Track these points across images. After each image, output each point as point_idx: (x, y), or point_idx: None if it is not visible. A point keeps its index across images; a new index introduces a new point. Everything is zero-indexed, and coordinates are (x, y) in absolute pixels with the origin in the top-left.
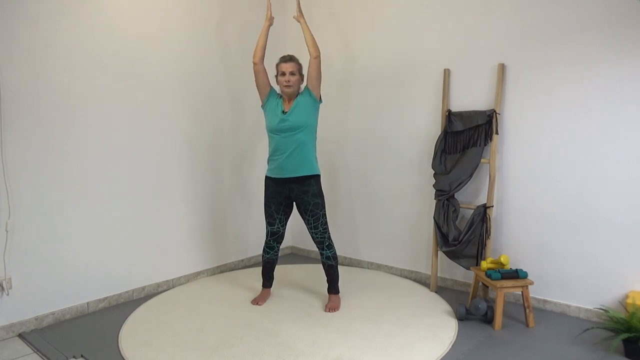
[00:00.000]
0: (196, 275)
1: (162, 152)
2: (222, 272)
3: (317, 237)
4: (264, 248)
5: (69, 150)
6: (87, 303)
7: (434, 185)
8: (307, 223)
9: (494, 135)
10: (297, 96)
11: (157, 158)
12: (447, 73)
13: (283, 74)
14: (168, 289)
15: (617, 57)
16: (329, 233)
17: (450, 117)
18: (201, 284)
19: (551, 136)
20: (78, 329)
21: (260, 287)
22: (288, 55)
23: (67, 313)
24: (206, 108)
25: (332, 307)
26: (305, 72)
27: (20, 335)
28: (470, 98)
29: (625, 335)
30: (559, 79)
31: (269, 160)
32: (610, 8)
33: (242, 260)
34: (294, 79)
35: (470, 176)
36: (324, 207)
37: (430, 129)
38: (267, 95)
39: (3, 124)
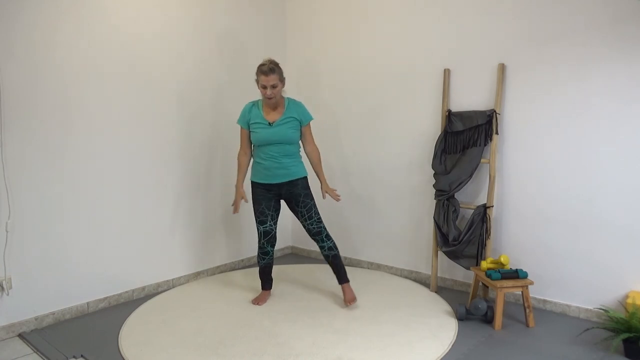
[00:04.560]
0: (196, 275)
1: (162, 152)
2: (221, 272)
3: (314, 228)
4: (258, 254)
5: (69, 150)
6: (87, 303)
7: (434, 185)
8: (301, 215)
9: (494, 135)
10: (284, 106)
11: (157, 158)
12: (447, 73)
13: (264, 87)
14: (168, 289)
15: (617, 57)
16: (323, 223)
17: (450, 117)
18: (201, 284)
19: (551, 136)
20: (78, 329)
21: (260, 287)
22: (267, 65)
23: (67, 313)
24: (206, 109)
25: (350, 299)
26: (306, 77)
27: (20, 335)
28: (470, 98)
29: (625, 335)
30: (559, 78)
31: (253, 165)
32: (610, 8)
33: (242, 260)
34: (275, 90)
35: (470, 176)
36: (313, 198)
37: (430, 129)
38: (247, 120)
39: (3, 124)
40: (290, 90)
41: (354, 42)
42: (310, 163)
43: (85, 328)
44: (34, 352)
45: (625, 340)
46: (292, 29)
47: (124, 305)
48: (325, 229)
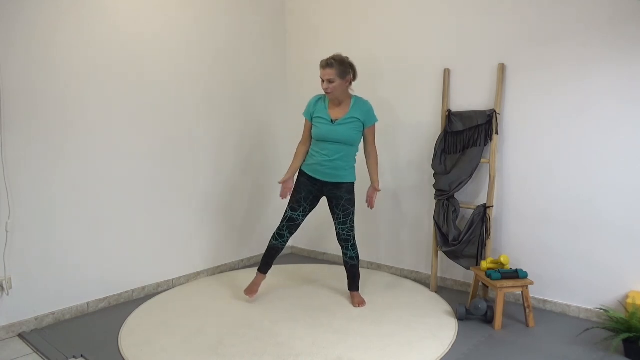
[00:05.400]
0: (196, 275)
1: (162, 153)
2: (222, 272)
3: (344, 234)
4: (274, 234)
5: (69, 150)
6: (87, 303)
7: (434, 185)
8: (337, 218)
9: (494, 135)
10: (350, 105)
11: (157, 158)
12: (447, 73)
13: (322, 80)
14: (168, 289)
15: (617, 57)
16: (354, 233)
17: (450, 117)
18: (201, 284)
19: (551, 136)
20: (78, 329)
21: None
22: (326, 60)
23: (67, 313)
24: (209, 109)
25: (360, 301)
26: (307, 77)
27: (20, 335)
28: (470, 98)
29: (625, 335)
30: (559, 78)
31: (307, 157)
32: (610, 7)
33: (242, 260)
34: (332, 86)
35: (470, 176)
36: (354, 205)
37: (430, 129)
38: (311, 113)
39: (3, 124)
40: (291, 90)
41: (354, 42)
42: (366, 163)
43: (85, 328)
44: (34, 352)
45: (625, 340)
46: (292, 29)
47: (124, 305)
48: (354, 238)
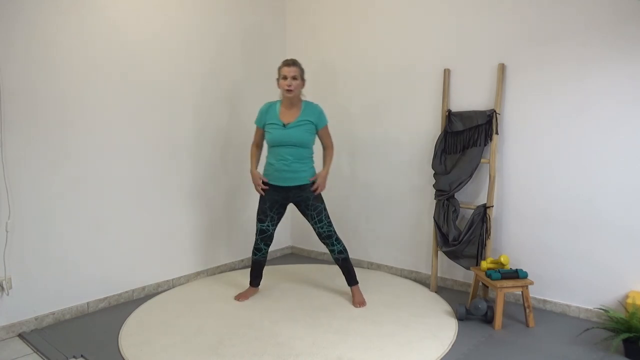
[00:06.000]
0: (196, 275)
1: (162, 153)
2: (222, 272)
3: (324, 232)
4: (252, 250)
5: (69, 150)
6: (87, 303)
7: (434, 185)
8: (311, 218)
9: (494, 135)
10: (301, 109)
11: (157, 158)
12: (447, 73)
13: (285, 77)
14: (168, 289)
15: (617, 57)
16: (334, 227)
17: (450, 117)
18: (201, 284)
19: (551, 136)
20: (78, 329)
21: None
22: (291, 59)
23: (67, 313)
24: (208, 109)
25: (359, 301)
26: (306, 77)
27: (20, 335)
28: (470, 98)
29: (625, 335)
30: (559, 78)
31: (265, 166)
32: (610, 7)
33: (242, 260)
34: (295, 83)
35: (470, 176)
36: (323, 201)
37: (430, 129)
38: (263, 121)
39: (3, 124)
40: None
41: (354, 42)
42: (323, 156)
43: (85, 328)
44: (34, 352)
45: (625, 340)
46: (292, 29)
47: (124, 305)
48: (335, 232)
